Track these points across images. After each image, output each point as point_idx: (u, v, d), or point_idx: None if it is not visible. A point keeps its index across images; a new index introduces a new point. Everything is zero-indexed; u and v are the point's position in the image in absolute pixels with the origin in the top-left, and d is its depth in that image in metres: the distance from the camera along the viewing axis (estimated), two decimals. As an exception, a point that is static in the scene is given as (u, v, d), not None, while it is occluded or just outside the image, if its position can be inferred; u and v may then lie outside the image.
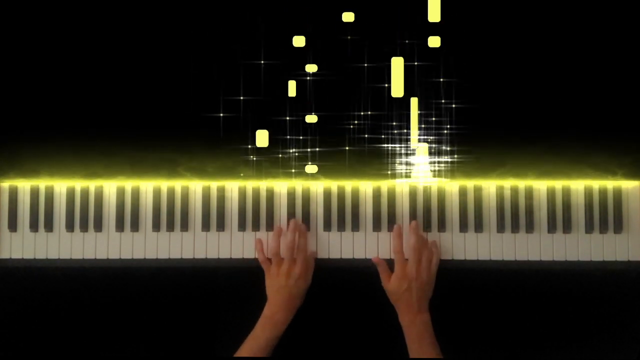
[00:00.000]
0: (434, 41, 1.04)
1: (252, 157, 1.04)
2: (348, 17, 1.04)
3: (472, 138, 1.03)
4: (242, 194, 1.05)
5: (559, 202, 1.04)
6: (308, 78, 1.04)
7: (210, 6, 1.05)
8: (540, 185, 1.04)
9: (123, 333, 1.08)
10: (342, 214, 1.04)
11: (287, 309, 0.99)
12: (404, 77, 1.04)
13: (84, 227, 1.04)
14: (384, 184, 1.04)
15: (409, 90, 1.04)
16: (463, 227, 1.03)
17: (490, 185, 1.04)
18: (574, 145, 1.04)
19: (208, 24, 1.05)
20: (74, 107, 1.06)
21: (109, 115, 1.06)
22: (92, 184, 1.05)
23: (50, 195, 1.05)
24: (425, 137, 1.04)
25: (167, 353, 1.08)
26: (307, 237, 1.04)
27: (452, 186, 1.04)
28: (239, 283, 1.07)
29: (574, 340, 1.07)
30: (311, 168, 1.04)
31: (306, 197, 1.05)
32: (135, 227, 1.04)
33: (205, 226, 1.04)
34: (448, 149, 1.04)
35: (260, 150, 1.04)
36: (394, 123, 1.04)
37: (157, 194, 1.05)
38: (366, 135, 1.04)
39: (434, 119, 1.03)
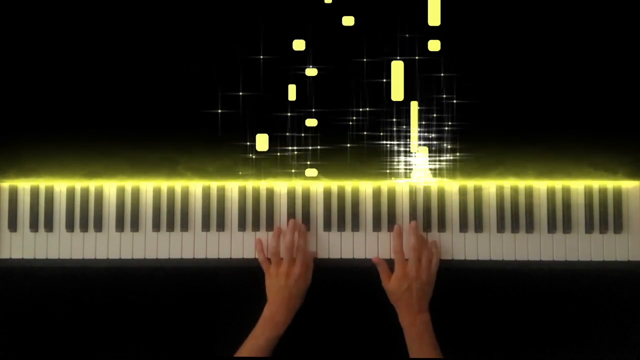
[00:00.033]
0: (434, 45, 1.04)
1: (252, 159, 1.04)
2: (348, 20, 1.04)
3: (472, 138, 1.04)
4: (242, 194, 1.05)
5: (559, 202, 1.04)
6: (308, 82, 1.04)
7: (211, 8, 1.05)
8: (540, 185, 1.04)
9: (123, 333, 1.08)
10: (342, 214, 1.04)
11: (287, 309, 0.99)
12: (404, 81, 1.04)
13: (84, 227, 1.04)
14: (384, 184, 1.04)
15: (409, 94, 1.04)
16: (463, 227, 1.03)
17: (490, 185, 1.04)
18: (574, 145, 1.04)
19: (208, 24, 1.05)
20: (74, 107, 1.06)
21: (109, 114, 1.06)
22: (92, 184, 1.05)
23: (50, 195, 1.05)
24: (425, 140, 1.04)
25: (167, 353, 1.08)
26: (307, 237, 1.04)
27: (452, 186, 1.04)
28: (239, 283, 1.07)
29: (574, 340, 1.07)
30: (311, 172, 1.04)
31: (306, 197, 1.05)
32: (135, 227, 1.04)
33: (205, 226, 1.04)
34: (449, 147, 1.04)
35: (261, 153, 1.04)
36: (394, 128, 1.04)
37: (157, 194, 1.05)
38: (366, 140, 1.04)
39: (434, 122, 1.03)
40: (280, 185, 1.05)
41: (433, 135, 1.04)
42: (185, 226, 1.04)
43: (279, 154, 1.04)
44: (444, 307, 1.01)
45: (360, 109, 1.04)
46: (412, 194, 1.04)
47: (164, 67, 1.05)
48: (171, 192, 1.05)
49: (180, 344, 1.08)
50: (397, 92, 1.04)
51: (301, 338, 1.03)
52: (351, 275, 1.04)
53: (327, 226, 1.05)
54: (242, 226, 1.04)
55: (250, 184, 1.05)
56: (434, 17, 1.04)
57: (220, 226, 1.05)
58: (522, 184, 1.04)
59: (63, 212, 1.05)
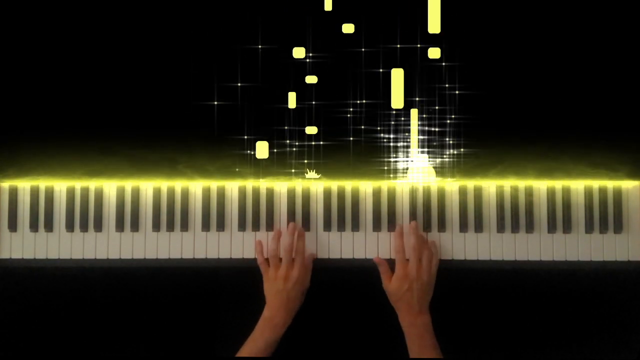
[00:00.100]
0: (434, 52, 1.04)
1: (252, 164, 1.04)
2: (348, 28, 1.04)
3: (472, 142, 1.03)
4: (242, 194, 1.05)
5: (559, 202, 1.04)
6: (308, 89, 1.04)
7: (213, 16, 1.05)
8: (540, 185, 1.04)
9: (123, 333, 1.08)
10: (342, 214, 1.04)
11: (286, 311, 0.99)
12: (404, 88, 1.04)
13: (84, 227, 1.04)
14: (384, 184, 1.04)
15: (409, 101, 1.04)
16: (463, 227, 1.03)
17: (490, 185, 1.04)
18: (574, 145, 1.04)
19: (208, 27, 1.05)
20: (73, 107, 1.06)
21: (109, 113, 1.06)
22: (92, 184, 1.05)
23: (50, 195, 1.05)
24: (426, 147, 1.04)
25: (167, 353, 1.08)
26: (307, 238, 1.04)
27: (452, 186, 1.04)
28: (239, 283, 1.07)
29: (574, 340, 1.07)
30: (311, 175, 1.04)
31: (306, 197, 1.05)
32: (135, 227, 1.04)
33: (205, 226, 1.04)
34: (449, 152, 1.04)
35: (260, 161, 1.04)
36: (395, 136, 1.04)
37: (157, 194, 1.05)
38: (367, 149, 1.04)
39: (434, 130, 1.04)
40: (280, 185, 1.05)
41: (433, 143, 1.04)
42: (185, 226, 1.04)
43: (278, 160, 1.04)
44: (444, 307, 1.01)
45: (361, 118, 1.04)
46: (412, 194, 1.04)
47: (164, 67, 1.05)
48: (171, 192, 1.05)
49: (180, 344, 1.08)
50: (397, 100, 1.04)
51: (301, 338, 1.03)
52: (351, 275, 1.04)
53: (327, 226, 1.04)
54: (242, 226, 1.04)
55: (250, 184, 1.05)
56: (434, 25, 1.04)
57: (220, 226, 1.05)
58: (522, 183, 1.04)
59: (63, 212, 1.05)
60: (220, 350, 1.07)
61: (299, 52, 1.04)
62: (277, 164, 1.04)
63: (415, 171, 1.04)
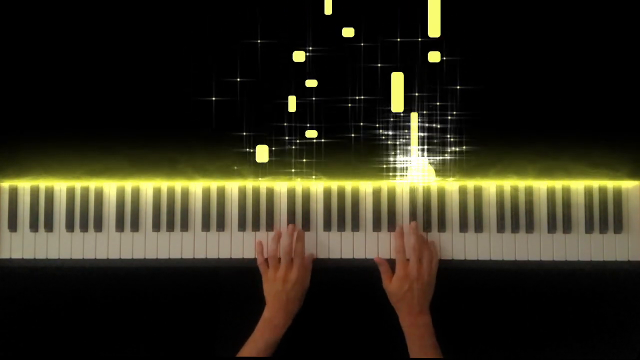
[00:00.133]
0: (434, 56, 1.04)
1: (252, 167, 1.04)
2: (348, 32, 1.04)
3: (472, 142, 1.03)
4: (242, 193, 1.05)
5: (559, 201, 1.04)
6: (308, 92, 1.04)
7: (212, 17, 1.05)
8: (540, 185, 1.04)
9: (123, 333, 1.08)
10: (342, 214, 1.04)
11: (285, 312, 0.99)
12: (404, 92, 1.04)
13: (84, 227, 1.04)
14: (384, 184, 1.04)
15: (409, 104, 1.04)
16: (463, 227, 1.03)
17: (490, 185, 1.04)
18: (574, 145, 1.04)
19: (208, 29, 1.05)
20: (73, 106, 1.06)
21: (109, 113, 1.06)
22: (92, 184, 1.05)
23: (50, 195, 1.05)
24: (425, 151, 1.04)
25: (167, 353, 1.08)
26: (307, 238, 1.04)
27: (452, 186, 1.04)
28: (239, 283, 1.07)
29: (574, 340, 1.07)
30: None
31: (306, 197, 1.05)
32: (135, 227, 1.04)
33: (205, 226, 1.04)
34: (448, 154, 1.04)
35: (260, 165, 1.05)
36: (395, 141, 1.04)
37: (157, 193, 1.05)
38: (367, 152, 1.04)
39: (434, 134, 1.04)
40: (280, 185, 1.05)
41: (433, 142, 1.04)
42: (185, 226, 1.04)
43: (278, 164, 1.04)
44: (444, 307, 1.01)
45: (361, 122, 1.04)
46: (412, 193, 1.04)
47: (164, 67, 1.05)
48: (171, 192, 1.05)
49: (180, 344, 1.08)
50: (397, 103, 1.04)
51: (301, 338, 1.03)
52: (351, 275, 1.04)
53: (327, 226, 1.04)
54: (242, 226, 1.04)
55: (250, 184, 1.05)
56: (434, 29, 1.04)
57: (220, 226, 1.05)
58: (522, 183, 1.04)
59: (63, 212, 1.05)
60: (220, 350, 1.07)
61: (298, 56, 1.05)
62: (276, 164, 1.04)
63: (415, 171, 1.04)
